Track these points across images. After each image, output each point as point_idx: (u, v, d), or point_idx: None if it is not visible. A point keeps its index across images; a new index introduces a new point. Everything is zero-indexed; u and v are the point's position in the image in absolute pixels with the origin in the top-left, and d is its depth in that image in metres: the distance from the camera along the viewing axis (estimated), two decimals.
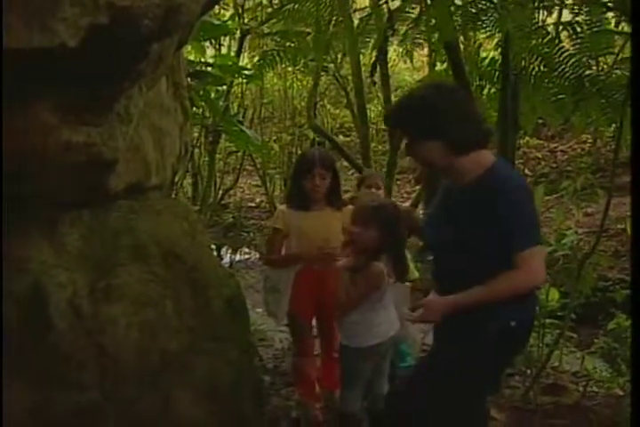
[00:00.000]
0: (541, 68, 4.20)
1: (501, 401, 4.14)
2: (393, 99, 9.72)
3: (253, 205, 12.54)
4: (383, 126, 12.76)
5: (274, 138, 13.11)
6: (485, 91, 4.49)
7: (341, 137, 13.97)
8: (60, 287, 2.76)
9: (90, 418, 2.74)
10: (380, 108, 12.96)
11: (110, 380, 2.80)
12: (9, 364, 2.65)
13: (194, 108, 5.61)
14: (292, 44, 4.55)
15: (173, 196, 9.77)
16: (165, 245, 3.14)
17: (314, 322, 4.14)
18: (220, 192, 11.56)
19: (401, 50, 5.69)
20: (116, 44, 2.04)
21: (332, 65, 9.60)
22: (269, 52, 5.07)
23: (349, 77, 9.90)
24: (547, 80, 4.24)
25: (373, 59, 7.20)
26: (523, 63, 4.25)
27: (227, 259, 8.61)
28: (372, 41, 4.39)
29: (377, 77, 10.21)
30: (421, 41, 3.98)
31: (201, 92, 5.32)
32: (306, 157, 4.04)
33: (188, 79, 5.12)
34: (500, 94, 4.14)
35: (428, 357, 3.17)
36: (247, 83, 9.16)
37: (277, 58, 4.75)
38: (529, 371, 4.47)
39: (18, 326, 2.70)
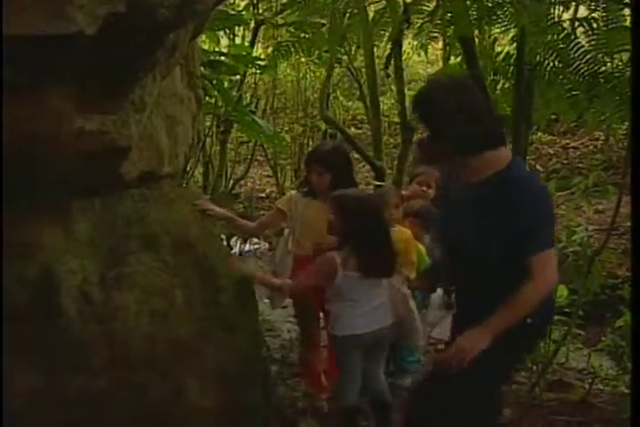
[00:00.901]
0: (556, 63, 4.18)
1: (507, 397, 4.14)
2: (406, 92, 9.70)
3: (264, 195, 12.52)
4: (395, 119, 12.74)
5: (286, 129, 13.09)
6: (499, 86, 4.48)
7: (353, 129, 13.93)
8: (71, 274, 2.78)
9: (99, 404, 2.77)
10: (392, 101, 12.91)
11: (120, 367, 2.82)
12: (20, 348, 2.68)
13: (206, 98, 5.62)
14: (307, 36, 4.53)
15: (184, 184, 9.80)
16: (176, 234, 3.16)
17: (321, 314, 4.14)
18: (231, 182, 11.55)
19: (415, 43, 5.68)
20: (133, 33, 2.05)
21: (345, 57, 9.57)
22: (284, 42, 5.06)
23: (363, 70, 9.87)
24: (561, 76, 4.22)
25: (388, 51, 7.18)
26: (537, 58, 4.24)
27: (236, 249, 8.60)
28: (387, 34, 4.38)
29: (390, 70, 10.20)
30: (437, 35, 3.97)
31: (214, 82, 5.32)
32: (309, 153, 4.07)
33: (202, 68, 5.13)
34: (513, 89, 4.12)
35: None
36: (261, 73, 9.12)
37: (292, 49, 4.74)
38: (535, 367, 4.47)
39: (28, 311, 2.72)
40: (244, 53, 5.90)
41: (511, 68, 4.29)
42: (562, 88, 4.24)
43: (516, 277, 2.58)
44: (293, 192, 4.15)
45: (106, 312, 2.83)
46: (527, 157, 5.16)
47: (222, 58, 5.45)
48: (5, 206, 2.64)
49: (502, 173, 2.65)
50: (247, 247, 9.36)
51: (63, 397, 2.72)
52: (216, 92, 5.70)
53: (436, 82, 2.95)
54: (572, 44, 3.96)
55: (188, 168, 10.14)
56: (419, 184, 4.68)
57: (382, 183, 7.08)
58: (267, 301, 4.39)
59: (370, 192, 3.42)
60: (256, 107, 11.12)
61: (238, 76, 7.19)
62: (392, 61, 8.18)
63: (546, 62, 4.22)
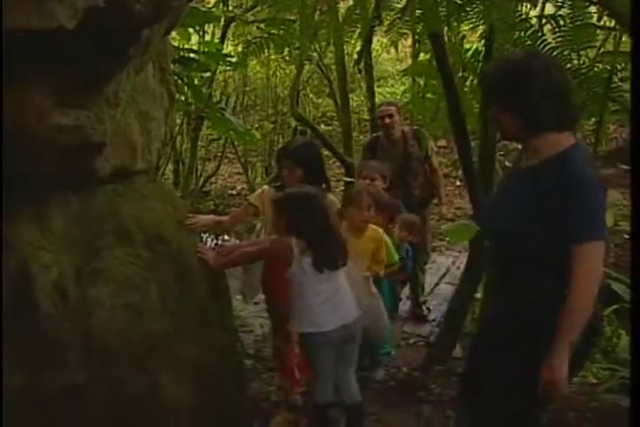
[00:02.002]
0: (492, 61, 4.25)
1: None
2: (375, 89, 9.76)
3: (234, 192, 12.53)
4: (365, 116, 12.82)
5: (256, 126, 13.09)
6: (468, 82, 4.54)
7: (323, 126, 13.97)
8: (46, 269, 2.78)
9: (75, 399, 2.77)
10: (362, 98, 12.98)
11: (95, 362, 2.83)
12: None
13: (177, 95, 5.61)
14: (278, 33, 4.54)
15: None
16: (150, 229, 3.17)
17: None
18: (202, 179, 11.55)
19: (385, 40, 5.72)
20: (110, 28, 2.06)
21: (315, 54, 9.61)
22: (254, 39, 5.06)
23: (332, 67, 9.92)
24: None
25: (359, 48, 7.21)
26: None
27: (207, 244, 8.61)
28: (358, 31, 4.41)
29: (360, 67, 10.26)
30: (407, 31, 4.00)
31: (185, 79, 5.32)
32: (281, 149, 4.10)
33: (173, 65, 5.13)
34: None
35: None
36: (233, 70, 9.14)
37: (262, 46, 4.75)
38: None
39: (5, 306, 2.72)
40: (215, 50, 5.90)
41: (480, 64, 4.36)
42: None
43: (560, 269, 2.49)
44: (266, 187, 4.17)
45: (81, 307, 2.83)
46: (496, 153, 5.22)
47: (193, 55, 5.45)
48: None
49: (561, 157, 2.56)
50: (218, 243, 9.38)
51: (39, 392, 2.72)
52: (187, 89, 5.70)
53: (525, 53, 2.88)
54: (540, 41, 4.02)
55: (160, 165, 10.17)
56: (363, 178, 4.75)
57: (352, 179, 7.12)
58: (239, 297, 4.43)
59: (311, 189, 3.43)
60: (226, 104, 11.13)
61: (209, 74, 7.19)
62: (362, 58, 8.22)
63: None
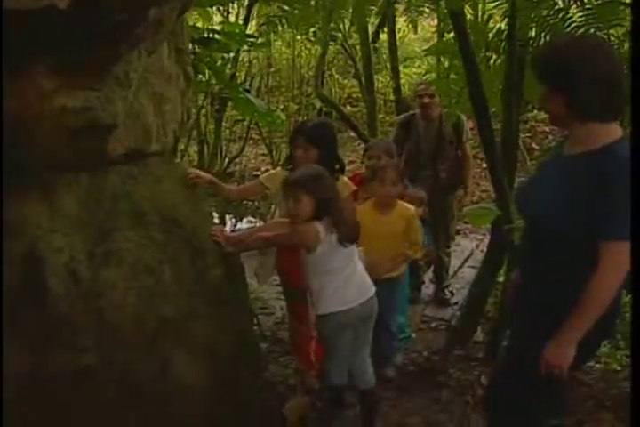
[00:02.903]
0: (548, 39, 4.15)
1: None
2: (401, 69, 9.64)
3: (259, 173, 12.45)
4: (391, 97, 12.68)
5: (281, 107, 13.00)
6: (491, 62, 4.44)
7: (349, 107, 13.86)
8: (57, 252, 2.77)
9: (86, 381, 2.77)
10: (387, 79, 12.84)
11: (107, 344, 2.82)
12: (7, 326, 2.68)
13: (200, 76, 5.57)
14: (291, 11, 4.46)
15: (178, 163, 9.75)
16: (164, 211, 3.15)
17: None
18: (226, 160, 11.51)
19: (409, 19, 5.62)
20: (108, 7, 2.02)
21: (340, 34, 9.49)
22: (271, 18, 4.99)
23: (357, 47, 9.80)
24: None
25: (376, 25, 7.11)
26: (529, 34, 4.21)
27: (229, 227, 8.59)
28: (375, 9, 4.32)
29: (385, 47, 10.11)
30: (426, 9, 3.92)
31: (207, 60, 5.28)
32: (294, 128, 4.04)
33: (194, 46, 5.08)
34: (505, 66, 4.08)
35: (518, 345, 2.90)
36: (253, 51, 9.06)
37: (280, 24, 4.67)
38: None
39: (15, 288, 2.72)
40: (237, 31, 5.83)
41: (503, 43, 4.26)
42: None
43: (589, 263, 2.43)
44: (279, 169, 4.12)
45: (93, 290, 2.82)
46: (523, 135, 5.12)
47: (215, 35, 5.40)
48: None
49: (604, 149, 2.48)
50: (242, 226, 9.35)
51: (51, 375, 2.72)
52: (208, 70, 5.66)
53: (579, 36, 2.77)
54: (565, 20, 3.92)
55: (182, 146, 10.15)
56: (369, 158, 4.66)
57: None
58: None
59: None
60: (250, 85, 11.05)
61: (231, 54, 7.13)
62: (386, 38, 8.12)
63: (538, 38, 4.19)
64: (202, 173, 3.56)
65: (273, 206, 4.13)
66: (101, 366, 2.79)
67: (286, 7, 5.38)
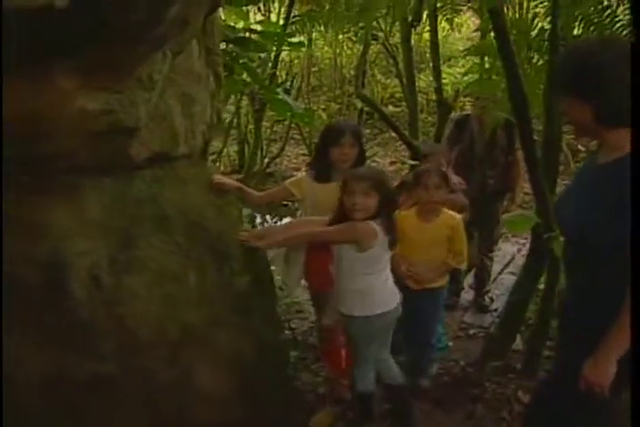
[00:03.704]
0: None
1: (533, 384, 4.01)
2: (444, 69, 9.47)
3: (299, 174, 12.42)
4: (433, 97, 12.52)
5: (322, 107, 12.94)
6: (533, 61, 4.28)
7: (391, 107, 13.73)
8: (80, 256, 2.71)
9: (105, 389, 2.71)
10: (430, 79, 12.68)
11: (128, 351, 2.76)
12: (28, 331, 2.64)
13: (236, 76, 5.50)
14: (321, 10, 4.36)
15: (217, 164, 9.73)
16: (190, 216, 3.08)
17: None
18: (266, 160, 11.47)
19: (456, 19, 5.47)
20: (120, 6, 1.94)
21: (381, 33, 9.37)
22: (301, 16, 4.90)
23: (399, 46, 9.67)
24: None
25: (409, 23, 6.96)
26: (573, 33, 4.05)
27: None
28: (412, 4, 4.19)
29: (427, 47, 9.94)
30: (462, 8, 3.78)
31: (241, 60, 5.20)
32: (335, 126, 3.92)
33: (229, 45, 5.01)
34: (548, 66, 3.93)
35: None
36: (291, 50, 8.99)
37: (309, 23, 4.57)
38: None
39: (37, 293, 2.67)
40: (275, 30, 5.75)
41: (545, 43, 4.10)
42: None
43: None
44: (304, 174, 4.03)
45: (115, 296, 2.76)
46: (567, 137, 4.93)
47: (252, 35, 5.33)
48: (14, 185, 2.59)
49: (633, 155, 2.32)
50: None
51: (69, 380, 2.67)
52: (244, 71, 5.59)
53: (601, 39, 2.64)
54: (610, 18, 3.74)
55: (221, 146, 10.11)
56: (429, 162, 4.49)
57: (417, 162, 6.90)
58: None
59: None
60: (291, 85, 11.00)
61: (269, 54, 7.06)
62: (428, 37, 7.96)
63: (581, 37, 4.03)
64: (227, 180, 3.48)
65: (299, 212, 4.01)
66: (121, 373, 2.73)
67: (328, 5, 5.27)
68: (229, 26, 5.34)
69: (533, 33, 4.18)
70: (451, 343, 4.91)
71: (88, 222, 2.77)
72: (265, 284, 3.39)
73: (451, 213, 3.98)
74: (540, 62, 4.24)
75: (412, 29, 6.29)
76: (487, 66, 4.89)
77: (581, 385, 2.41)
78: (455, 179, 4.75)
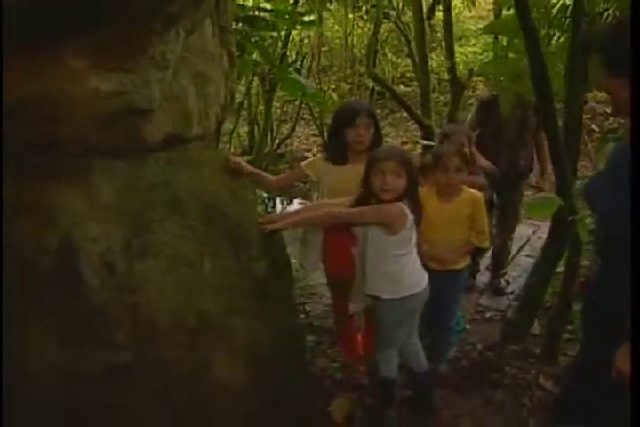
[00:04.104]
0: (617, 14, 3.85)
1: (555, 370, 3.95)
2: (456, 48, 9.32)
3: (310, 155, 12.31)
4: (445, 77, 12.38)
5: (332, 87, 12.80)
6: (554, 40, 4.16)
7: (402, 87, 13.59)
8: (92, 242, 2.62)
9: (121, 379, 2.64)
10: (442, 58, 12.52)
11: (143, 340, 2.68)
12: (41, 319, 2.57)
13: (249, 56, 5.40)
14: None
15: (228, 145, 9.65)
16: (205, 200, 2.99)
17: None
18: (277, 141, 11.38)
19: None
20: None
21: (393, 11, 9.23)
22: None
23: (411, 25, 9.52)
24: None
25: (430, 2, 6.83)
26: (597, 9, 3.93)
27: (279, 210, 8.48)
28: None
29: (440, 25, 9.78)
30: None
31: (253, 39, 5.10)
32: (349, 107, 3.80)
33: (240, 24, 4.91)
34: (569, 44, 3.80)
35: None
36: (302, 29, 8.86)
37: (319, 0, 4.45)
38: None
39: (49, 279, 2.59)
40: (286, 8, 5.65)
41: (567, 20, 3.97)
42: None
43: None
44: (319, 156, 3.92)
45: (129, 283, 2.67)
46: (582, 118, 4.78)
47: (262, 14, 5.22)
48: (25, 170, 2.51)
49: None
50: (292, 208, 9.22)
51: (83, 371, 2.59)
52: (255, 50, 5.48)
53: None
54: None
55: (232, 127, 10.02)
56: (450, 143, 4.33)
57: (429, 142, 6.77)
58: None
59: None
60: (301, 65, 10.87)
61: (280, 33, 6.95)
62: (442, 16, 7.83)
63: (606, 14, 3.90)
64: (243, 163, 3.39)
65: (315, 194, 3.91)
66: (136, 363, 2.65)
67: None
68: (239, 4, 5.24)
69: (554, 10, 4.04)
70: (468, 326, 4.83)
71: (100, 207, 2.68)
72: (282, 267, 3.31)
73: (471, 190, 3.86)
74: (561, 40, 4.11)
75: (435, 8, 6.11)
76: (504, 44, 4.75)
77: (613, 373, 2.34)
78: (485, 162, 4.70)
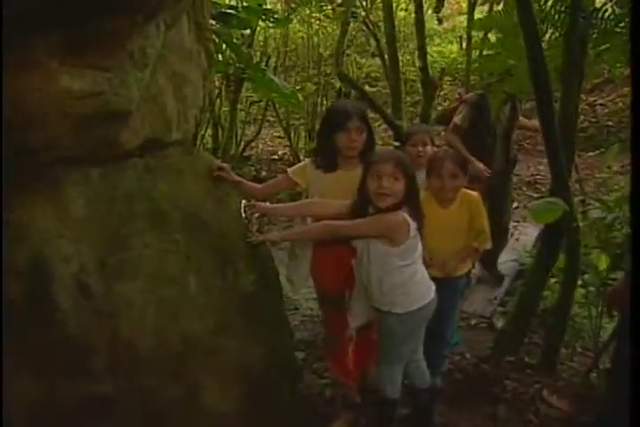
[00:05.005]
0: (616, 10, 3.68)
1: (560, 384, 3.74)
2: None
3: (276, 157, 12.06)
4: (412, 77, 12.23)
5: (297, 87, 12.54)
6: (547, 36, 3.97)
7: (367, 87, 13.38)
8: (65, 261, 2.38)
9: (101, 412, 2.38)
10: (407, 58, 12.38)
11: (124, 368, 2.44)
12: (11, 348, 2.29)
13: (219, 54, 5.15)
14: None
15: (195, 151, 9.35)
16: (188, 210, 2.74)
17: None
18: (242, 144, 11.11)
19: None
20: None
21: (361, 10, 9.04)
22: None
23: (380, 24, 9.35)
24: (622, 24, 3.74)
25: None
26: (594, 4, 3.75)
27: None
28: None
29: (403, 25, 9.65)
30: None
31: (224, 37, 4.84)
32: (339, 109, 3.53)
33: (212, 22, 4.65)
34: (564, 40, 3.62)
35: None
36: (274, 27, 8.62)
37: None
38: (590, 352, 4.06)
39: (18, 303, 2.32)
40: (257, 5, 5.39)
41: (562, 15, 3.79)
42: (619, 38, 3.73)
43: None
44: (307, 161, 3.64)
45: (106, 305, 2.42)
46: (578, 116, 4.59)
47: (234, 11, 4.96)
48: None
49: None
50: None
51: (59, 404, 2.34)
52: (225, 48, 5.22)
53: None
54: None
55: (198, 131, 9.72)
56: (413, 145, 4.14)
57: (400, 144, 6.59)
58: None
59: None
60: (266, 64, 10.60)
61: (249, 31, 6.70)
62: (413, 15, 7.67)
63: (604, 9, 3.72)
64: (227, 169, 3.14)
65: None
66: (117, 394, 2.40)
67: None
68: (212, 1, 4.98)
69: (549, 4, 3.85)
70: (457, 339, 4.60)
71: (73, 222, 2.42)
72: (271, 282, 3.07)
73: (467, 191, 3.64)
74: (555, 36, 3.93)
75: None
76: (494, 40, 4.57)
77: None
78: (481, 166, 4.74)
